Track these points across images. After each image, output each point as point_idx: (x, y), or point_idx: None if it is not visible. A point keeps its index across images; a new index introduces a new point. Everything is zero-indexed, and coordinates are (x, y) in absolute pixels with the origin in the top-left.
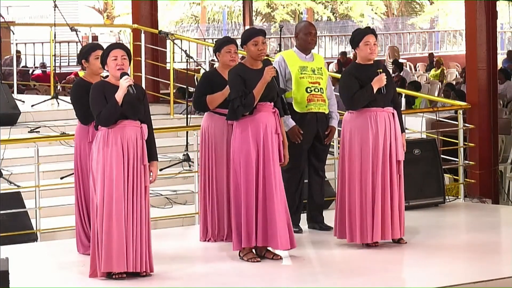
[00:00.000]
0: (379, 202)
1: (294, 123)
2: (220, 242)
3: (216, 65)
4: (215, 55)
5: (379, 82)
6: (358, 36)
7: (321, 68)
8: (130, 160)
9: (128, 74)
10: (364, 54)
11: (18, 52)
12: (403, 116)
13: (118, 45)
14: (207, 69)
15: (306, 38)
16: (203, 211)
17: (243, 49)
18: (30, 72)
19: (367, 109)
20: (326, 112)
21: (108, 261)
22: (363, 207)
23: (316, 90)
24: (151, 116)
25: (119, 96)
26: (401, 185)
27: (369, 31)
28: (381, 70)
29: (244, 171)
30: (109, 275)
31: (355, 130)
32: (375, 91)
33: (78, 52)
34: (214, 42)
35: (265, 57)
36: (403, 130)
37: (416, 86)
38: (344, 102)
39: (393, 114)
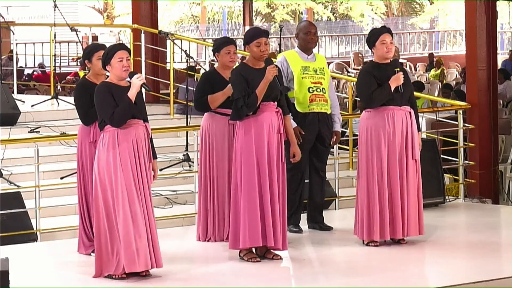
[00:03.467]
0: (398, 200)
1: (296, 124)
2: (220, 242)
3: (216, 65)
4: (214, 56)
5: (396, 80)
6: (374, 36)
7: (323, 68)
8: (140, 159)
9: (137, 73)
10: (381, 53)
11: (11, 52)
12: None
13: (121, 46)
14: (207, 69)
15: (306, 37)
16: (203, 211)
17: (244, 50)
18: (28, 73)
19: (385, 108)
20: (328, 112)
21: (132, 261)
22: (382, 206)
23: (318, 90)
24: (151, 116)
25: (132, 94)
26: (419, 183)
27: (385, 30)
28: (398, 69)
29: (246, 171)
30: (109, 275)
31: (372, 129)
32: (392, 89)
33: (82, 52)
34: (213, 42)
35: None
36: (419, 129)
37: (419, 86)
38: (361, 100)
39: (410, 113)
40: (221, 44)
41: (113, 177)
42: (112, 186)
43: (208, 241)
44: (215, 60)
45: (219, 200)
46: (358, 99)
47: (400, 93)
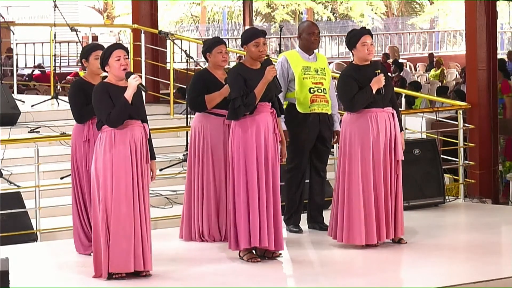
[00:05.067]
0: (381, 203)
1: (286, 128)
2: (220, 242)
3: (206, 65)
4: (205, 56)
5: (378, 83)
6: (355, 37)
7: (324, 68)
8: (137, 160)
9: (133, 73)
10: (362, 54)
11: (8, 51)
12: (402, 116)
13: (118, 46)
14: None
15: (309, 38)
16: (199, 211)
17: (243, 49)
18: (28, 73)
19: (367, 110)
20: (329, 112)
21: (116, 262)
22: (365, 208)
23: (319, 90)
24: (151, 116)
25: (128, 95)
26: (399, 185)
27: (365, 31)
28: (379, 71)
29: (244, 172)
30: (110, 275)
31: (355, 131)
32: (374, 92)
33: (80, 51)
34: (203, 43)
35: (265, 57)
36: (401, 129)
37: (416, 86)
38: (343, 104)
39: (392, 114)
40: (213, 44)
41: (108, 178)
42: (108, 186)
43: (206, 241)
44: (206, 60)
45: (216, 200)
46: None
47: (382, 95)
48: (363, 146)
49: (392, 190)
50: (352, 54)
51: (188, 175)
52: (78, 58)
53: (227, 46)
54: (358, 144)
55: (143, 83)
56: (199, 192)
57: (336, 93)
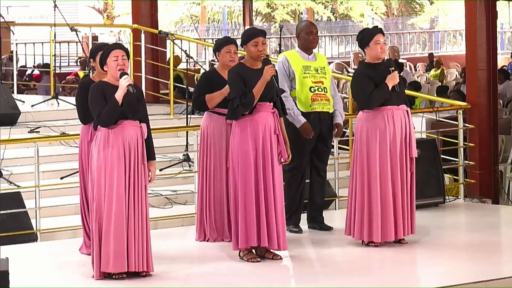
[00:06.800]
0: (398, 200)
1: (305, 120)
2: (220, 242)
3: (216, 65)
4: (215, 55)
5: (393, 79)
6: (368, 35)
7: (324, 67)
8: (131, 160)
9: (127, 74)
10: (375, 53)
11: (11, 52)
12: None
13: (117, 46)
14: (207, 69)
15: (307, 37)
16: (200, 211)
17: (243, 49)
18: (29, 73)
19: (383, 108)
20: (330, 111)
21: (106, 262)
22: (383, 206)
23: (320, 89)
24: (151, 116)
25: (119, 95)
26: (413, 182)
27: (378, 30)
28: (393, 68)
29: (242, 171)
30: (109, 275)
31: (372, 130)
32: (390, 89)
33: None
34: (214, 42)
35: (265, 57)
36: None
37: (416, 86)
38: (359, 102)
39: (407, 111)
40: (222, 44)
41: (102, 177)
42: (101, 185)
43: (207, 241)
44: (216, 59)
45: (215, 200)
46: (355, 101)
47: (397, 92)
48: (381, 145)
49: (407, 188)
50: (364, 52)
51: (198, 174)
52: (79, 58)
53: (237, 46)
54: (376, 142)
55: (142, 84)
56: (200, 191)
57: (342, 93)
